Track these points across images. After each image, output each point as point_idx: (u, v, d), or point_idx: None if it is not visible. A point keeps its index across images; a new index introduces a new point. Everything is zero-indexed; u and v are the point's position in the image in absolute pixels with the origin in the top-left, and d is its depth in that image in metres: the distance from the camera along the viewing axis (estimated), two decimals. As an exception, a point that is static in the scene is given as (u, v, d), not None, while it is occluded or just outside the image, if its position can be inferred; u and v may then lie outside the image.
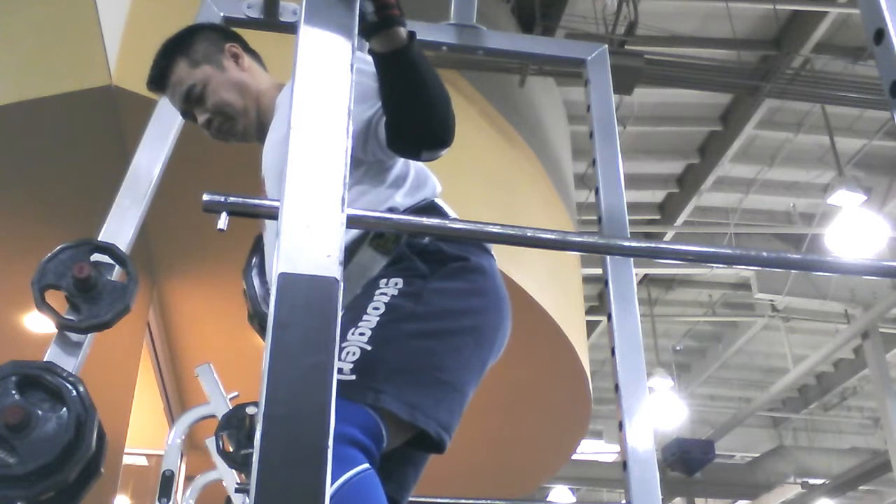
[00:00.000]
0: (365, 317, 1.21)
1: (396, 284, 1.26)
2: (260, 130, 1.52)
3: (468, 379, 1.27)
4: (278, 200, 0.74)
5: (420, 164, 1.45)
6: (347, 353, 1.15)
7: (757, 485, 12.20)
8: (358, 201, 1.33)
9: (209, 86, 1.49)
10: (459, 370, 1.25)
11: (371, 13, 1.11)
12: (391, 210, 1.35)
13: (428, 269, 1.28)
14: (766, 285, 9.46)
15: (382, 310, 1.22)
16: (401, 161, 1.39)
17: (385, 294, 1.24)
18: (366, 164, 1.35)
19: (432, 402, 1.19)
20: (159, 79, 1.50)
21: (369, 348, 1.17)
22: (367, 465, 1.07)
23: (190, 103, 1.50)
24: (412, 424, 1.16)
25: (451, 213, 1.43)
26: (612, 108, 1.78)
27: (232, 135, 1.52)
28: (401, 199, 1.38)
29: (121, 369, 4.16)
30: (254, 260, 1.55)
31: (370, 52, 1.19)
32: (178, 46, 1.51)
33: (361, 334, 1.18)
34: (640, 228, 9.13)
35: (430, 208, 1.41)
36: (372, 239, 1.28)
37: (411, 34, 1.18)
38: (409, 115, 1.24)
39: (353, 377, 1.13)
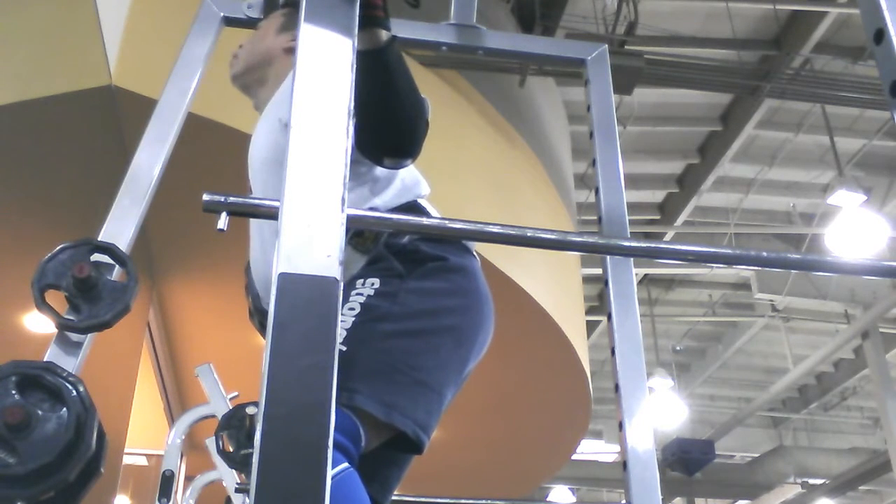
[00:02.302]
0: (341, 317, 1.20)
1: (373, 284, 1.25)
2: (257, 88, 1.61)
3: (446, 379, 1.26)
4: (278, 200, 0.74)
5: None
6: None
7: (757, 485, 12.20)
8: None
9: (259, 31, 1.63)
10: (437, 370, 1.24)
11: None
12: (372, 210, 1.34)
13: (405, 269, 1.28)
14: (766, 285, 9.46)
15: (358, 310, 1.22)
16: None
17: (361, 294, 1.24)
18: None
19: (409, 402, 1.18)
20: (268, 7, 1.67)
21: (344, 348, 1.16)
22: (346, 465, 1.07)
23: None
24: (390, 425, 1.16)
25: (435, 214, 1.42)
26: (612, 108, 1.78)
27: (231, 67, 1.65)
28: (384, 199, 1.37)
29: (121, 369, 4.16)
30: None
31: None
32: (297, 3, 1.63)
33: None
34: (640, 228, 9.13)
35: (412, 209, 1.40)
36: (351, 238, 1.27)
37: (392, 38, 1.18)
38: (374, 119, 1.22)
39: None
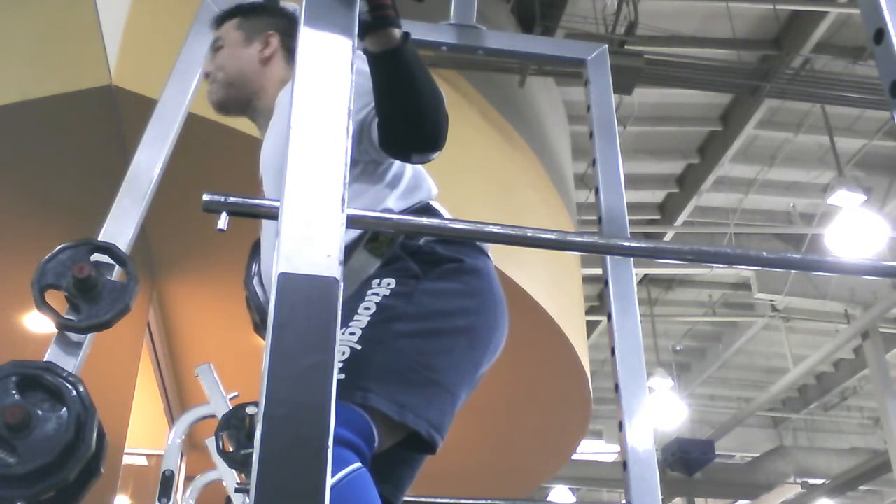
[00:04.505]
0: (356, 317, 1.21)
1: (388, 285, 1.25)
2: (247, 112, 1.60)
3: (460, 380, 1.26)
4: (278, 200, 0.74)
5: (417, 165, 1.44)
6: (337, 352, 1.15)
7: (757, 485, 12.19)
8: (354, 201, 1.33)
9: (225, 48, 1.60)
10: (451, 371, 1.25)
11: (365, 12, 1.11)
12: (386, 212, 1.34)
13: (421, 269, 1.28)
14: (766, 285, 9.46)
15: (373, 310, 1.22)
16: (397, 162, 1.39)
17: (377, 294, 1.24)
18: (362, 164, 1.35)
19: (423, 402, 1.18)
20: (218, 20, 1.64)
21: (359, 348, 1.17)
22: (359, 465, 1.07)
23: (211, 51, 1.62)
24: (403, 424, 1.16)
25: (447, 215, 1.43)
26: (612, 108, 1.78)
27: (211, 95, 1.61)
28: (396, 200, 1.37)
29: (121, 369, 4.16)
30: (254, 268, 1.54)
31: (364, 51, 1.19)
32: (246, 9, 1.64)
33: (352, 334, 1.18)
34: (640, 228, 9.13)
35: (424, 210, 1.40)
36: (367, 242, 1.27)
37: (406, 35, 1.18)
38: (399, 117, 1.24)
39: (343, 376, 1.13)
